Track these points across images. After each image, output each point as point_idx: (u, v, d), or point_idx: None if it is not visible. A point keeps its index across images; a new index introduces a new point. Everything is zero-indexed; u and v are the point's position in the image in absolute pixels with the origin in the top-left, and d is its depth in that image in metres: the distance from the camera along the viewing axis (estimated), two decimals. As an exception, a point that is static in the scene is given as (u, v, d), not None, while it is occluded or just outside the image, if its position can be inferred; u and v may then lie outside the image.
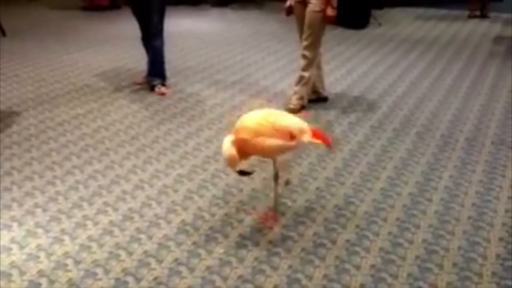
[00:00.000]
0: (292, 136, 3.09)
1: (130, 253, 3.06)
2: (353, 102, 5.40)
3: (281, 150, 3.16)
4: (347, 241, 3.17)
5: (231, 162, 3.09)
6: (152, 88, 5.63)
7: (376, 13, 8.89)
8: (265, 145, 3.05)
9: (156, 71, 5.67)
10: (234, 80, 6.08)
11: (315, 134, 3.20)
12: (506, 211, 3.46)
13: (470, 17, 9.33)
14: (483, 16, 9.31)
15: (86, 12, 9.56)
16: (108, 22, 8.88)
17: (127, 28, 8.15)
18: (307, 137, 3.14)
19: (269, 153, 3.18)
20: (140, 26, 5.63)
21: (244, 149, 3.07)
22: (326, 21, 4.87)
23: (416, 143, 4.46)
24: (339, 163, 4.11)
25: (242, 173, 3.17)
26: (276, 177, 3.31)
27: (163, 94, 5.56)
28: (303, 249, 3.10)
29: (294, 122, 3.15)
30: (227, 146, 3.05)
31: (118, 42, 7.63)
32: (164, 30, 5.58)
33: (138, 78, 5.92)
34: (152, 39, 5.55)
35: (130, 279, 2.86)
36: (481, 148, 4.36)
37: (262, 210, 3.46)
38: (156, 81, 5.64)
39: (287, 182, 3.31)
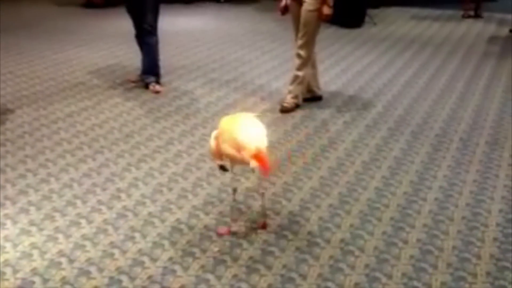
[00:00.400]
0: (238, 150, 3.00)
1: (124, 252, 3.06)
2: (348, 101, 5.41)
3: (232, 159, 3.12)
4: (342, 240, 3.17)
5: (211, 155, 3.22)
6: (146, 86, 5.62)
7: (371, 12, 8.89)
8: (223, 149, 3.08)
9: (151, 69, 5.66)
10: (228, 78, 6.07)
11: (256, 156, 2.95)
12: (500, 211, 3.47)
13: (464, 17, 9.35)
14: (477, 16, 9.33)
15: (80, 9, 9.52)
16: (102, 19, 8.85)
17: (121, 25, 8.11)
18: (246, 155, 2.97)
19: (226, 158, 3.17)
20: (134, 23, 5.62)
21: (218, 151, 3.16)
22: (322, 19, 4.87)
23: (411, 142, 4.46)
24: (334, 163, 4.11)
25: (221, 167, 3.21)
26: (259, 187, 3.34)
27: (157, 92, 5.55)
28: (297, 248, 3.10)
29: (245, 136, 3.01)
30: (211, 139, 3.19)
31: (113, 39, 7.61)
32: (158, 28, 5.56)
33: (132, 76, 5.90)
34: (146, 37, 5.54)
35: (124, 277, 2.86)
36: (476, 148, 4.37)
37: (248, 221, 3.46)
38: (151, 79, 5.63)
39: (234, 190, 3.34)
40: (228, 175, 3.82)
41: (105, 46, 7.30)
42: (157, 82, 5.65)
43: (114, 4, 9.32)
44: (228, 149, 3.05)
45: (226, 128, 3.13)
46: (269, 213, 3.43)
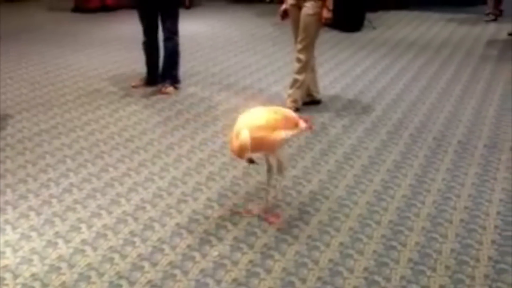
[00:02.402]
0: (296, 124, 3.42)
1: (124, 256, 3.07)
2: (347, 105, 5.42)
3: (290, 139, 3.58)
4: (341, 244, 3.19)
5: (238, 152, 3.18)
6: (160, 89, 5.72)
7: (370, 16, 8.91)
8: (281, 138, 3.31)
9: (166, 72, 5.74)
10: (228, 83, 6.08)
11: (304, 121, 3.52)
12: (498, 213, 3.48)
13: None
14: (498, 14, 9.33)
15: (79, 14, 9.53)
16: (101, 25, 8.87)
17: (119, 31, 8.18)
18: (303, 124, 3.46)
19: (281, 144, 3.44)
20: (147, 29, 5.65)
21: (257, 146, 3.19)
22: (322, 23, 4.89)
23: (410, 146, 4.48)
24: (333, 166, 4.13)
25: (251, 161, 3.20)
26: (280, 169, 3.47)
27: (165, 93, 5.61)
28: (297, 252, 3.11)
29: (282, 113, 3.42)
30: (245, 135, 3.13)
31: (112, 45, 7.63)
32: (178, 32, 5.66)
33: (133, 81, 5.93)
34: (165, 42, 5.64)
35: (123, 282, 2.87)
36: (474, 151, 4.38)
37: (262, 209, 3.50)
38: (167, 83, 5.71)
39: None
40: (227, 178, 3.85)
41: (104, 51, 7.31)
42: (172, 84, 5.72)
43: (110, 9, 9.39)
44: (289, 133, 3.36)
45: (275, 119, 3.30)
46: (268, 216, 3.45)
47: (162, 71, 5.80)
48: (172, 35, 5.61)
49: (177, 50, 5.71)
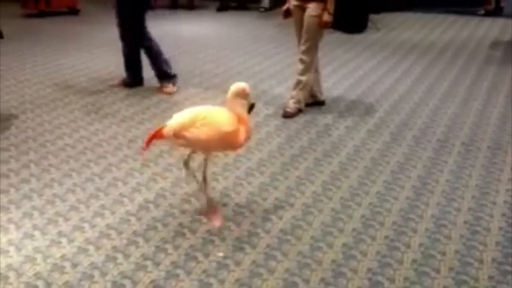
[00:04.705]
0: None
1: (127, 256, 3.07)
2: (350, 106, 5.42)
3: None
4: (344, 245, 3.18)
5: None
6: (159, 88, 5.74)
7: (373, 17, 8.91)
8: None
9: (157, 73, 5.75)
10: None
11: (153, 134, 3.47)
12: (503, 215, 3.47)
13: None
14: (497, 12, 9.40)
15: (82, 16, 9.53)
16: (103, 27, 8.87)
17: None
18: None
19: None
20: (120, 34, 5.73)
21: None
22: (321, 26, 4.89)
23: (413, 147, 4.47)
24: (336, 167, 4.12)
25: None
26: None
27: (167, 93, 5.62)
28: (300, 253, 3.10)
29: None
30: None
31: (115, 46, 7.58)
32: (149, 33, 5.69)
33: (114, 80, 5.96)
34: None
35: (127, 282, 2.87)
36: (478, 152, 4.37)
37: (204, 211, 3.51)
38: (163, 82, 5.73)
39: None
40: (230, 179, 3.85)
41: (107, 52, 7.30)
42: (169, 82, 5.72)
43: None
44: None
45: None
46: (272, 217, 3.44)
47: (154, 72, 5.80)
48: (128, 36, 5.67)
49: (152, 51, 5.70)
